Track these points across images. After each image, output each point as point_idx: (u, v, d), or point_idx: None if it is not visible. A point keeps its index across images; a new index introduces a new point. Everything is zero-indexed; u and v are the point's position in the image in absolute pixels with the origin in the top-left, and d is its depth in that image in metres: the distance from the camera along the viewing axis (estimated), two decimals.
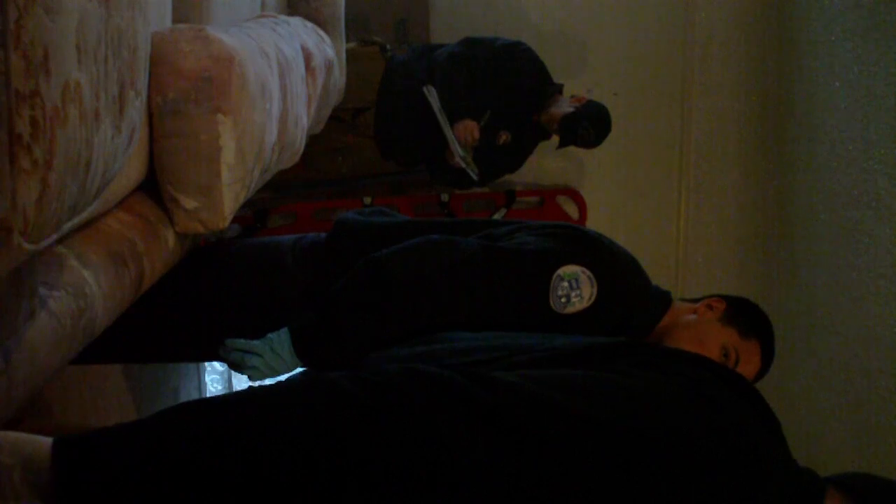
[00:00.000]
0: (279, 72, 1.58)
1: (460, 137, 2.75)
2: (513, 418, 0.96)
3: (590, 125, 2.80)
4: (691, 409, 1.04)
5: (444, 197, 3.29)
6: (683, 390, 1.06)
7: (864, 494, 1.10)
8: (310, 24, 2.17)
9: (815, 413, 3.00)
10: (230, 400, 0.99)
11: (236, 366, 1.43)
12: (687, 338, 1.47)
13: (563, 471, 0.96)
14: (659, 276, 1.62)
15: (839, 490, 1.11)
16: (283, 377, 1.43)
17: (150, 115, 1.25)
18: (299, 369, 1.44)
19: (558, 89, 2.95)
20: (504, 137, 2.95)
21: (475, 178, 2.83)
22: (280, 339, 1.40)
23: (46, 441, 0.91)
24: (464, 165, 2.77)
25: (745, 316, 1.51)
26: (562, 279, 1.40)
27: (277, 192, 3.16)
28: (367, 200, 3.16)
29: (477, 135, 2.78)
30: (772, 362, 1.51)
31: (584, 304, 1.40)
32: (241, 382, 3.22)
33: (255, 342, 1.40)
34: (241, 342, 1.40)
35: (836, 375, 2.90)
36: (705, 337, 1.47)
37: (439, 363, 1.09)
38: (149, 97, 1.22)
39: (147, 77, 1.11)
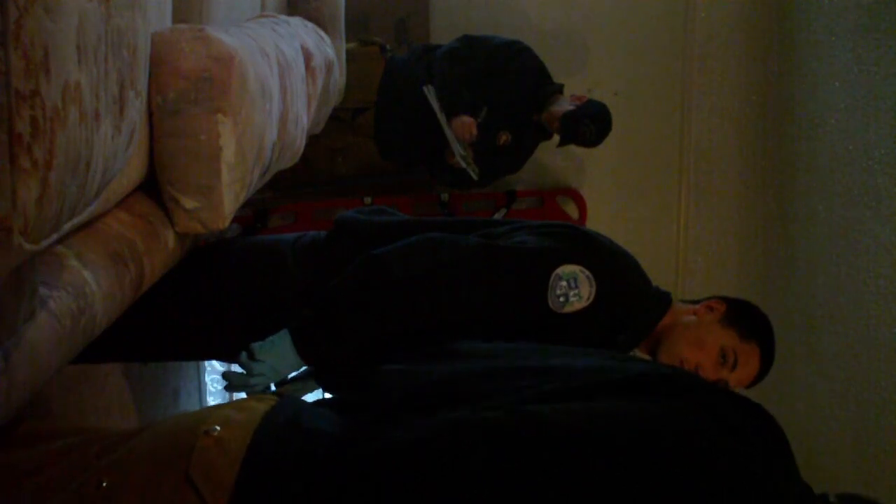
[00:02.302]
0: (279, 72, 1.58)
1: (458, 135, 2.74)
2: (580, 459, 0.96)
3: (591, 123, 2.79)
4: (717, 439, 1.03)
5: (444, 197, 3.29)
6: (710, 422, 1.05)
7: None
8: (310, 24, 2.17)
9: (815, 413, 2.99)
10: None
11: (244, 375, 1.42)
12: (686, 339, 1.47)
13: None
14: (659, 277, 1.62)
15: None
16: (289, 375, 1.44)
17: (150, 115, 1.25)
18: (304, 368, 1.44)
19: (558, 89, 2.95)
20: (504, 138, 2.95)
21: (475, 177, 2.82)
22: (282, 339, 1.39)
23: None
24: (464, 165, 2.76)
25: (745, 318, 1.50)
26: (560, 278, 1.39)
27: (277, 192, 3.16)
28: (367, 200, 3.16)
29: (475, 131, 2.76)
30: (771, 365, 1.50)
31: (583, 303, 1.40)
32: None
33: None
34: (256, 347, 1.40)
35: (836, 375, 2.90)
36: (704, 338, 1.46)
37: (468, 392, 1.09)
38: (149, 97, 1.22)
39: (147, 77, 1.11)
